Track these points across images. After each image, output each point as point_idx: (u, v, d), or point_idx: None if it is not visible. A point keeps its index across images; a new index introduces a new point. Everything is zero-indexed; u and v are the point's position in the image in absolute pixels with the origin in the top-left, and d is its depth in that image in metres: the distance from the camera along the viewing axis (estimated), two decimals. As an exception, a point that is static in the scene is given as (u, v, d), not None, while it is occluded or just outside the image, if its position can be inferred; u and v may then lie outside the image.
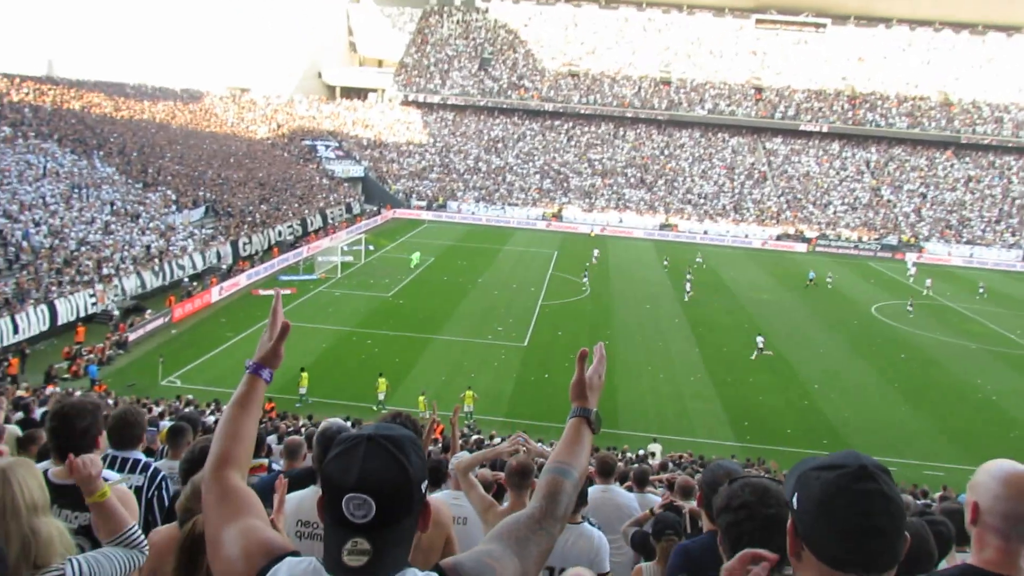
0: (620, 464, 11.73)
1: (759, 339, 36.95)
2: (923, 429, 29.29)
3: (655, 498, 7.05)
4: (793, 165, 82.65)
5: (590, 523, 5.34)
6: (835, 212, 75.46)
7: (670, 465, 16.51)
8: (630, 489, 8.29)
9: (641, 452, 21.86)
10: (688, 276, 49.05)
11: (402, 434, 1.94)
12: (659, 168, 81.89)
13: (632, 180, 79.93)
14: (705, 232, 71.57)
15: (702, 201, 76.94)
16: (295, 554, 2.04)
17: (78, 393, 20.50)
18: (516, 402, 29.28)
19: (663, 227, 72.35)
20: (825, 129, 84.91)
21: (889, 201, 77.08)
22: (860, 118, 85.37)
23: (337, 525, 1.86)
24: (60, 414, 3.97)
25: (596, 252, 56.36)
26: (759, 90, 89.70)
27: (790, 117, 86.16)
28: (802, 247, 69.33)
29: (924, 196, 77.73)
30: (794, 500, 1.94)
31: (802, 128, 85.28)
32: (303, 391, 28.15)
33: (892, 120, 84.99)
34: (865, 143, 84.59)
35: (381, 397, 27.87)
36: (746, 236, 71.27)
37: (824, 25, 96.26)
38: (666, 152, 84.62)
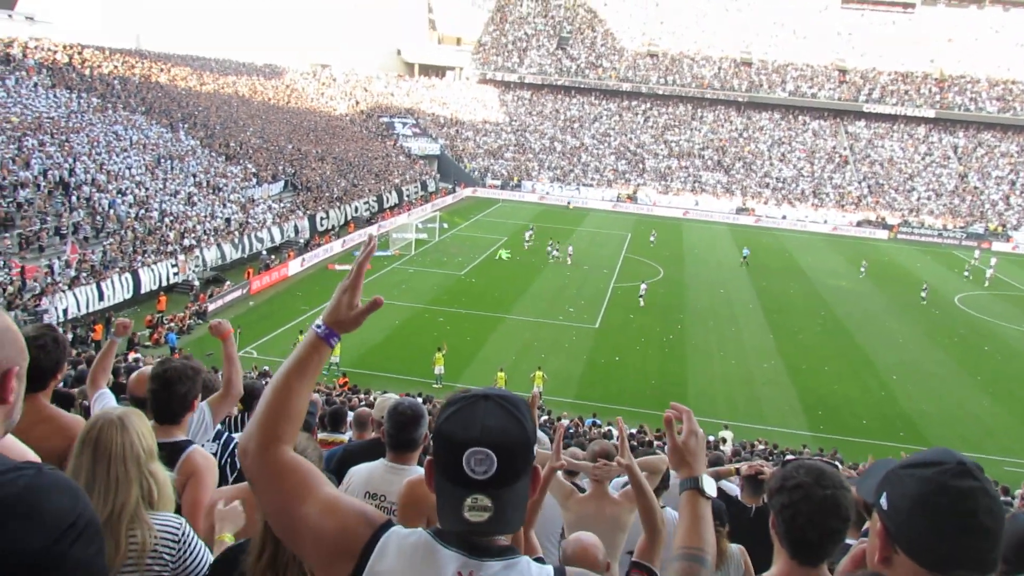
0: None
1: (643, 285, 39.60)
2: (1005, 423, 28.42)
3: (731, 485, 6.95)
4: (876, 149, 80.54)
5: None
6: (919, 198, 73.40)
7: (743, 452, 16.30)
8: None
9: (712, 439, 21.66)
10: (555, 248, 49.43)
11: (516, 395, 1.94)
12: (737, 151, 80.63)
13: (709, 163, 78.91)
14: (783, 217, 70.27)
15: (780, 185, 75.59)
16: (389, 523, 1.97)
17: (155, 359, 21.09)
18: (585, 384, 29.23)
19: (740, 211, 71.28)
20: (911, 113, 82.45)
21: (976, 188, 74.64)
22: (948, 102, 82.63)
23: (455, 484, 1.82)
24: (162, 378, 4.07)
25: (529, 232, 52.74)
26: (843, 72, 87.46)
27: (874, 100, 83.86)
28: (883, 234, 67.66)
29: (1013, 183, 75.05)
30: (882, 500, 1.85)
31: (887, 111, 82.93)
32: (336, 359, 28.43)
33: (982, 104, 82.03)
34: (952, 128, 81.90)
35: (438, 371, 27.97)
36: (825, 221, 69.78)
37: (913, 5, 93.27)
38: (745, 134, 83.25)
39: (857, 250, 58.71)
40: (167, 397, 4.04)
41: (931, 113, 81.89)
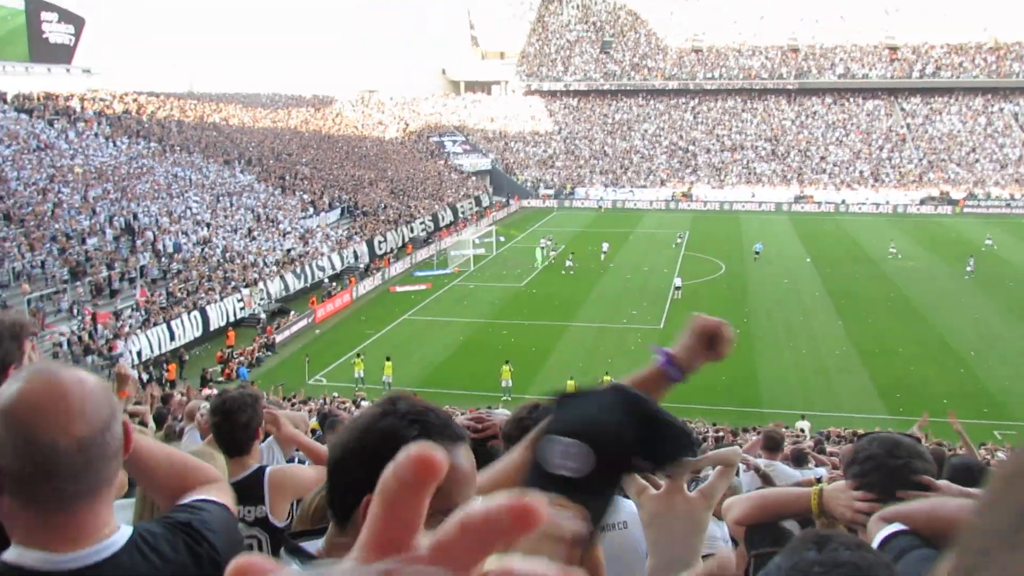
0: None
1: (677, 280, 40.51)
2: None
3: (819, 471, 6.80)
4: (934, 125, 78.72)
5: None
6: (983, 170, 71.50)
7: (825, 443, 15.98)
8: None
9: (787, 429, 21.29)
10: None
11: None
12: (791, 139, 79.49)
13: (763, 153, 77.92)
14: (843, 201, 68.96)
15: (837, 169, 74.28)
16: None
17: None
18: (655, 385, 28.96)
19: (798, 199, 70.18)
20: (967, 84, 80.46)
21: (1043, 155, 72.49)
22: (1006, 70, 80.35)
23: None
24: (222, 409, 4.12)
25: (547, 242, 50.96)
26: (893, 49, 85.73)
27: (928, 75, 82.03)
28: (948, 209, 66.02)
29: (1082, 147, 72.77)
30: None
31: (942, 85, 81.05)
32: (387, 379, 28.78)
33: (1042, 69, 79.77)
34: (1012, 95, 79.53)
35: (505, 384, 28.01)
36: (887, 202, 68.31)
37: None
38: (797, 122, 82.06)
39: (923, 228, 57.44)
40: (230, 428, 4.08)
41: (988, 83, 79.81)
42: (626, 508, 5.29)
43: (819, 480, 6.35)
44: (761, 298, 39.81)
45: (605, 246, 49.53)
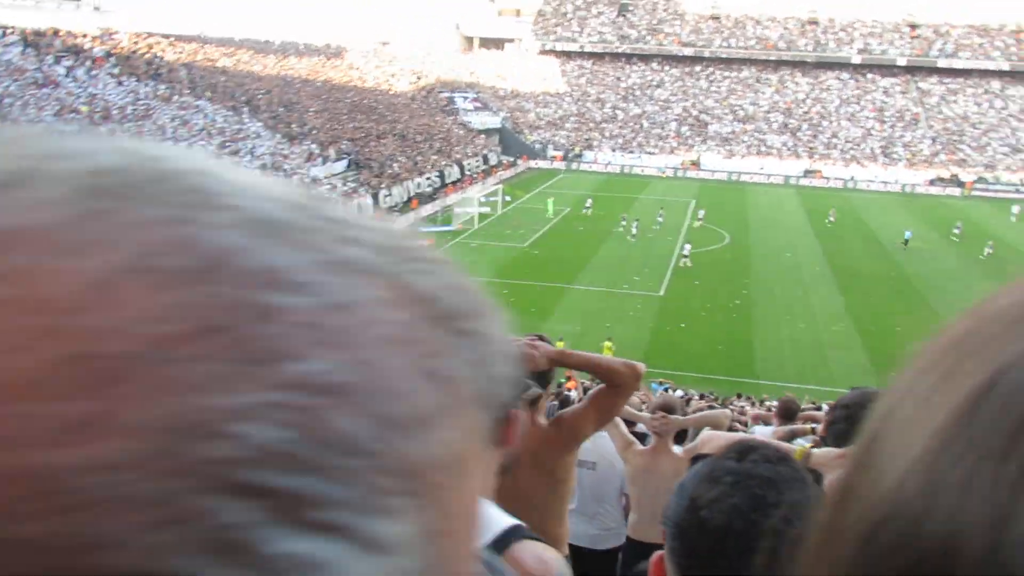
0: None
1: (686, 247, 40.23)
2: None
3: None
4: (949, 106, 78.04)
5: None
6: (994, 154, 70.97)
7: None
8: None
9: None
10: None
11: None
12: (803, 112, 78.89)
13: (775, 125, 77.37)
14: (852, 178, 68.52)
15: (849, 146, 73.80)
16: None
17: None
18: (653, 352, 28.96)
19: (807, 173, 69.79)
20: (986, 66, 79.55)
21: (1056, 142, 71.94)
22: (1026, 54, 79.55)
23: None
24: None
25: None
26: (913, 27, 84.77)
27: (948, 55, 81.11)
28: (956, 191, 65.54)
29: (1096, 135, 72.21)
30: None
31: (961, 66, 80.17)
32: None
33: (1062, 54, 78.89)
34: (1030, 80, 78.84)
35: None
36: (896, 181, 67.86)
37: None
38: (812, 96, 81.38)
39: (932, 209, 57.08)
40: None
41: (1007, 66, 78.92)
42: (598, 450, 5.26)
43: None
44: (762, 270, 39.74)
45: (701, 213, 50.31)
